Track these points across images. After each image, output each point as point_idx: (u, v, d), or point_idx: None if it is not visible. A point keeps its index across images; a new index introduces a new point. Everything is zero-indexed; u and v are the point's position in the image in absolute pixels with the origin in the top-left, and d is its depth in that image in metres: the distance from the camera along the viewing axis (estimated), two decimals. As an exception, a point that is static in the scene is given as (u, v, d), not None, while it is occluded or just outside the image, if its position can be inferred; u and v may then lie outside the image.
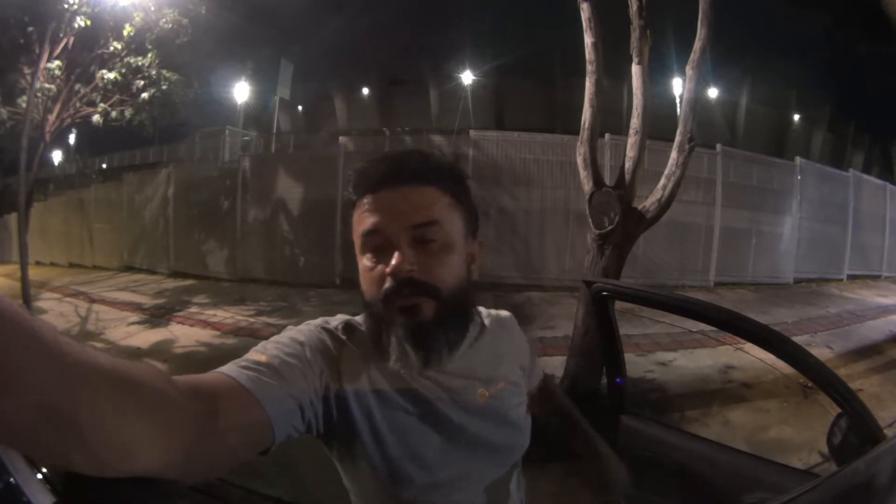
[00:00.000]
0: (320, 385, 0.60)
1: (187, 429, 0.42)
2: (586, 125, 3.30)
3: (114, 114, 6.61)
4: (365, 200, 0.65)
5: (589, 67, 3.31)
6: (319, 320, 0.69)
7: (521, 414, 0.76)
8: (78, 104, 6.62)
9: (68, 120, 6.66)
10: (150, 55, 6.42)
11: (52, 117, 6.35)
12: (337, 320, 0.70)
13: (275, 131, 18.80)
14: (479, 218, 0.73)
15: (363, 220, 0.64)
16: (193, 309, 6.05)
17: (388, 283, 0.62)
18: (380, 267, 0.63)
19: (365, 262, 0.65)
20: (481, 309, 0.80)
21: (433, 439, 0.64)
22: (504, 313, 0.84)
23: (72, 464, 0.34)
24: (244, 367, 0.54)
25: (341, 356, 0.64)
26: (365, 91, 22.27)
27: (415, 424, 0.64)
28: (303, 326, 0.67)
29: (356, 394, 0.62)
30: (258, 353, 0.58)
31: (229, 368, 0.54)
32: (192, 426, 0.43)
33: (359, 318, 0.70)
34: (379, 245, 0.63)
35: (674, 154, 3.23)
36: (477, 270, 0.71)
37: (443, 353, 0.64)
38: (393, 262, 0.61)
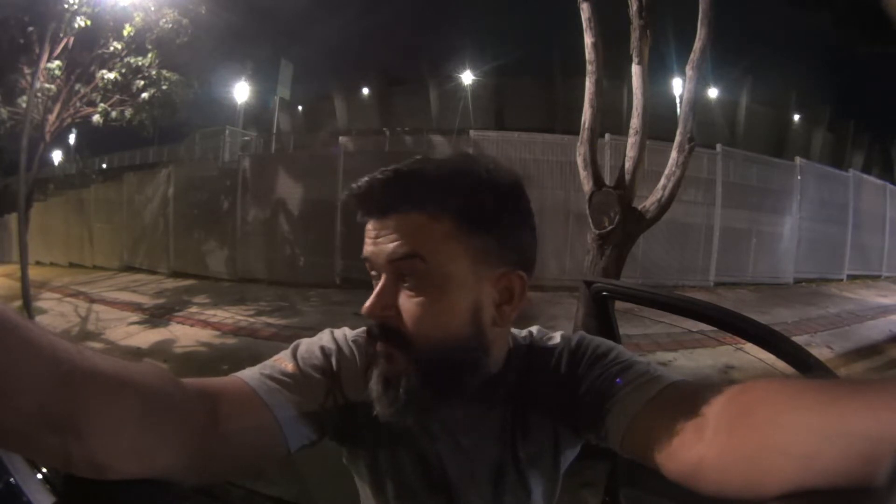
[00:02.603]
0: (340, 397, 0.57)
1: (190, 432, 0.42)
2: (586, 125, 3.31)
3: (114, 114, 6.60)
4: (365, 225, 0.57)
5: (589, 67, 3.31)
6: (360, 329, 0.63)
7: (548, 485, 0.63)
8: (78, 104, 6.61)
9: (68, 120, 6.65)
10: (150, 55, 6.41)
11: (52, 117, 6.34)
12: None
13: (275, 131, 18.80)
14: (528, 244, 0.57)
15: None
16: (193, 309, 6.05)
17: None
18: None
19: None
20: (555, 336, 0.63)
21: (427, 486, 0.59)
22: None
23: (72, 467, 0.34)
24: (263, 374, 0.54)
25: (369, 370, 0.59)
26: (365, 91, 22.26)
27: (414, 467, 0.59)
28: (339, 333, 0.63)
29: (375, 412, 0.57)
30: (283, 361, 0.57)
31: (249, 374, 0.54)
32: (196, 430, 0.42)
33: None
34: (373, 276, 0.56)
35: (674, 154, 3.24)
36: (513, 312, 0.56)
37: (418, 411, 0.54)
38: (366, 303, 0.53)
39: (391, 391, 0.53)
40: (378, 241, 0.53)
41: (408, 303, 0.52)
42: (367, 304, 0.53)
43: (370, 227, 0.55)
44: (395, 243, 0.52)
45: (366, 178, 0.55)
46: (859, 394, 0.30)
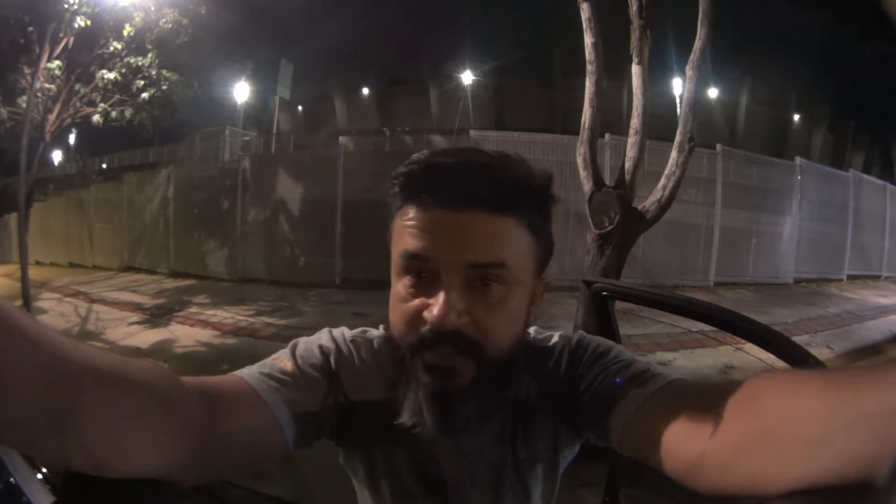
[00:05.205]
0: (339, 396, 0.56)
1: (189, 430, 0.41)
2: (586, 125, 3.31)
3: (114, 114, 6.60)
4: (411, 211, 0.49)
5: (589, 67, 3.31)
6: (359, 329, 0.63)
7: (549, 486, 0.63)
8: (78, 104, 6.61)
9: (68, 120, 6.65)
10: (150, 55, 6.41)
11: (52, 117, 6.35)
12: (378, 333, 0.62)
13: (275, 131, 18.80)
14: (553, 250, 0.56)
15: (404, 236, 0.49)
16: (193, 309, 6.05)
17: (423, 330, 0.48)
18: (417, 303, 0.49)
19: (399, 287, 0.51)
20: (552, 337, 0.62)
21: (424, 487, 0.59)
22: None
23: (72, 464, 0.34)
24: (262, 373, 0.53)
25: (368, 372, 0.58)
26: (365, 91, 22.22)
27: (411, 467, 0.59)
28: (337, 332, 0.61)
29: (372, 412, 0.57)
30: (282, 359, 0.56)
31: (248, 372, 0.53)
32: (195, 428, 0.42)
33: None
34: (422, 274, 0.49)
35: (674, 154, 3.24)
36: (535, 314, 0.56)
37: (467, 425, 0.51)
38: (436, 308, 0.47)
39: (442, 406, 0.49)
40: (452, 239, 0.47)
41: (483, 311, 0.49)
42: (437, 311, 0.47)
43: (429, 217, 0.48)
44: (481, 246, 0.48)
45: (444, 159, 0.49)
46: (858, 384, 0.30)
